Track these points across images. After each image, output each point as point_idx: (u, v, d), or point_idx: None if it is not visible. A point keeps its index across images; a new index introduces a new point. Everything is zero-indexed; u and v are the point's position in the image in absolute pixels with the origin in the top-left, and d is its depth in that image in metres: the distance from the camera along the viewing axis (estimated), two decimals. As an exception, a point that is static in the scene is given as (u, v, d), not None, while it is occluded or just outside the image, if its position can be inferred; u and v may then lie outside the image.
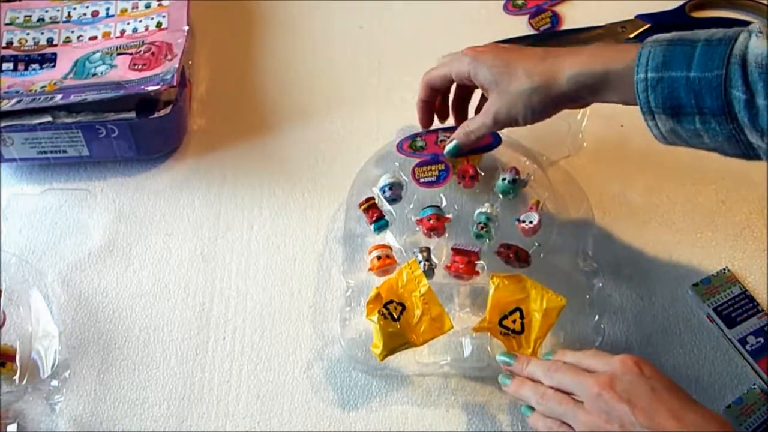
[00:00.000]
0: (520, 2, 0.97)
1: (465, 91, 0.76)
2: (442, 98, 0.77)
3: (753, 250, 0.76)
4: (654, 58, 0.58)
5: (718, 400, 0.68)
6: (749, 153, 0.59)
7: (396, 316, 0.66)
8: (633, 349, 0.71)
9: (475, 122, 0.71)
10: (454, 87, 0.75)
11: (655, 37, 0.60)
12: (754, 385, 0.69)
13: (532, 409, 0.61)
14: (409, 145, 0.77)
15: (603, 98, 0.64)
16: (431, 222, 0.72)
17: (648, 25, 0.92)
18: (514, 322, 0.66)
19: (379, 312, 0.65)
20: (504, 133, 0.77)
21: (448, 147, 0.74)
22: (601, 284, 0.72)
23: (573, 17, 0.95)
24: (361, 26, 0.95)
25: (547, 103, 0.66)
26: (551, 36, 0.93)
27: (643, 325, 0.72)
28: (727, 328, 0.71)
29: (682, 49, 0.57)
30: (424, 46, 0.92)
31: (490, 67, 0.67)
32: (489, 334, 0.67)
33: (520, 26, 0.94)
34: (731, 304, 0.73)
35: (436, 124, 0.78)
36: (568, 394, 0.59)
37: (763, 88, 0.54)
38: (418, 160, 0.75)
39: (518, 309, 0.66)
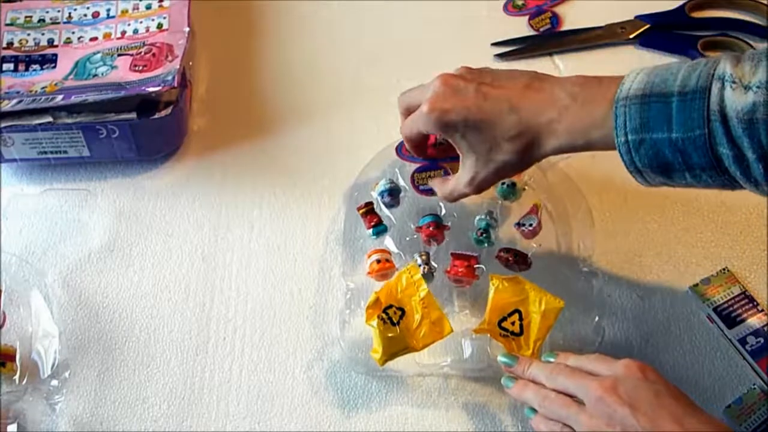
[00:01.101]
0: (520, 3, 0.97)
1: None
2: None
3: (753, 250, 0.76)
4: (631, 120, 0.56)
5: (718, 400, 0.68)
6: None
7: (395, 321, 0.66)
8: (633, 349, 0.71)
9: (459, 189, 0.68)
10: None
11: (625, 91, 0.57)
12: (754, 385, 0.69)
13: (535, 411, 0.61)
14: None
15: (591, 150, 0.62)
16: (430, 230, 0.72)
17: (648, 25, 0.92)
18: (513, 324, 0.66)
19: (378, 317, 0.65)
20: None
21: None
22: (600, 285, 0.72)
23: (573, 17, 0.95)
24: (361, 26, 0.95)
25: (530, 163, 0.64)
26: (551, 36, 0.93)
27: (643, 325, 0.72)
28: (727, 328, 0.71)
29: (657, 107, 0.55)
30: (424, 46, 0.93)
31: (463, 134, 0.63)
32: (489, 335, 0.67)
33: (520, 27, 0.94)
34: (731, 304, 0.73)
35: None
36: (571, 397, 0.59)
37: (750, 144, 0.52)
38: (417, 165, 0.75)
39: (517, 311, 0.66)
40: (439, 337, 0.65)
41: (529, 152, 0.62)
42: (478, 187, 0.66)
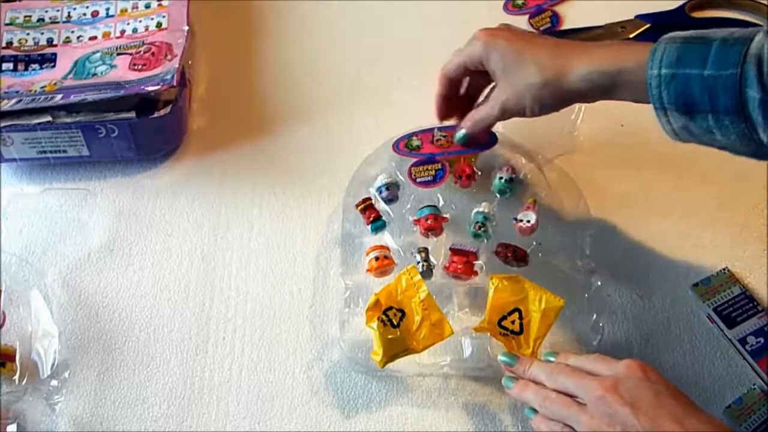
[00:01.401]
0: (520, 2, 0.97)
1: (479, 81, 0.74)
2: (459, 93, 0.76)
3: (753, 250, 0.76)
4: (668, 55, 0.58)
5: (718, 400, 0.68)
6: (760, 152, 0.59)
7: (395, 323, 0.66)
8: (632, 349, 0.71)
9: (482, 111, 0.71)
10: (466, 81, 0.75)
11: (671, 34, 0.60)
12: (754, 385, 0.69)
13: (535, 411, 0.61)
14: (404, 144, 0.77)
15: (614, 96, 0.64)
16: (428, 222, 0.72)
17: (648, 25, 0.92)
18: (513, 322, 0.66)
19: (378, 319, 0.65)
20: (500, 131, 0.77)
21: (457, 136, 0.74)
22: (599, 283, 0.72)
23: (573, 17, 0.95)
24: (361, 26, 0.95)
25: (556, 98, 0.66)
26: (551, 36, 0.93)
27: (642, 325, 0.72)
28: (727, 328, 0.71)
29: (698, 46, 0.57)
30: (424, 46, 0.93)
31: (502, 54, 0.67)
32: (489, 334, 0.67)
33: (521, 26, 0.94)
34: (731, 304, 0.73)
35: (433, 123, 0.78)
36: (571, 396, 0.59)
37: None
38: (414, 160, 0.75)
39: (517, 309, 0.66)
40: (440, 339, 0.65)
41: (557, 77, 0.64)
42: (502, 107, 0.68)
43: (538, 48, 0.66)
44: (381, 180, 0.75)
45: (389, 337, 0.65)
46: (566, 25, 0.95)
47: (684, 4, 0.94)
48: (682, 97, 0.58)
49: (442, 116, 0.76)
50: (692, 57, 0.57)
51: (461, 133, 0.73)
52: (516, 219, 0.73)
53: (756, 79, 0.54)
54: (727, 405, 0.68)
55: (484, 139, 0.75)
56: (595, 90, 0.63)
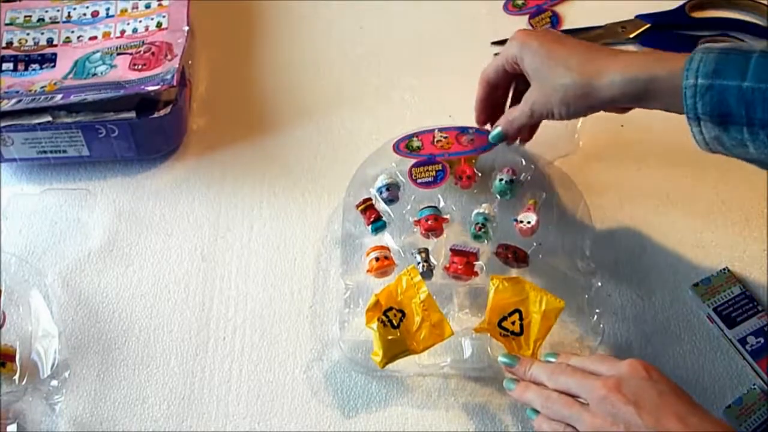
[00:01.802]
0: (520, 2, 0.97)
1: (522, 85, 0.73)
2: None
3: (753, 250, 0.76)
4: (706, 65, 0.57)
5: (718, 400, 0.68)
6: None
7: (396, 324, 0.66)
8: (633, 349, 0.71)
9: (516, 111, 0.71)
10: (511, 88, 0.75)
11: (707, 45, 0.59)
12: (754, 385, 0.69)
13: (537, 412, 0.61)
14: (405, 145, 0.77)
15: (643, 104, 0.63)
16: (429, 223, 0.72)
17: (648, 25, 0.92)
18: (513, 323, 0.66)
19: (378, 319, 0.65)
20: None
21: (492, 133, 0.74)
22: (599, 284, 0.72)
23: (573, 17, 0.95)
24: (361, 26, 0.95)
25: (584, 101, 0.65)
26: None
27: (643, 325, 0.72)
28: (727, 328, 0.71)
29: (737, 58, 0.57)
30: (424, 46, 0.93)
31: (534, 53, 0.67)
32: (489, 335, 0.67)
33: (520, 26, 0.94)
34: (731, 304, 0.73)
35: (433, 124, 0.78)
36: (573, 397, 0.59)
37: None
38: (414, 161, 0.75)
39: (517, 311, 0.66)
40: (440, 340, 0.65)
41: (588, 80, 0.64)
42: (532, 107, 0.69)
43: (569, 50, 0.66)
44: (381, 180, 0.75)
45: (389, 337, 0.65)
46: (566, 25, 0.95)
47: (684, 4, 0.94)
48: (717, 108, 0.57)
49: (483, 121, 0.76)
50: (731, 68, 0.56)
51: (497, 130, 0.73)
52: (516, 220, 0.73)
53: None
54: (727, 405, 0.68)
55: (522, 138, 0.76)
56: (626, 97, 0.63)
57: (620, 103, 0.64)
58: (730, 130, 0.58)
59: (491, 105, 0.75)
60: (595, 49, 0.66)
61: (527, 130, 0.76)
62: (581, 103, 0.65)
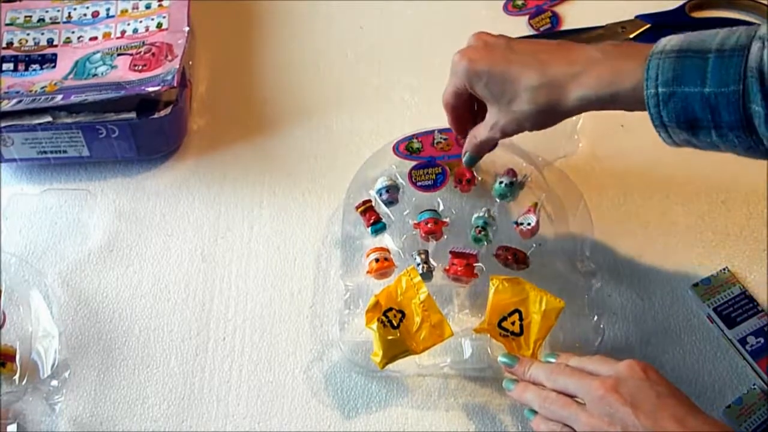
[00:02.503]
0: (520, 2, 0.97)
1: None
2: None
3: (753, 250, 0.76)
4: (663, 73, 0.56)
5: (718, 400, 0.68)
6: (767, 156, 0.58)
7: (395, 324, 0.66)
8: (633, 349, 0.71)
9: (482, 134, 0.69)
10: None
11: (661, 46, 0.57)
12: (754, 385, 0.69)
13: (535, 412, 0.61)
14: (405, 147, 0.77)
15: (615, 110, 0.62)
16: (429, 226, 0.72)
17: (648, 25, 0.92)
18: (513, 324, 0.66)
19: (378, 320, 0.65)
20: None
21: (465, 159, 0.73)
22: (599, 285, 0.72)
23: (573, 17, 0.95)
24: (361, 26, 0.95)
25: (553, 119, 0.64)
26: (551, 36, 0.93)
27: (643, 325, 0.72)
28: (727, 328, 0.71)
29: (693, 61, 0.55)
30: (424, 46, 0.93)
31: (486, 82, 0.64)
32: (489, 335, 0.67)
33: (520, 26, 0.94)
34: (731, 304, 0.73)
35: (433, 125, 0.78)
36: (572, 397, 0.59)
37: None
38: (414, 163, 0.75)
39: (517, 311, 0.66)
40: (440, 341, 0.65)
41: (551, 104, 0.62)
42: (501, 132, 0.67)
43: (524, 69, 0.63)
44: (381, 182, 0.75)
45: (389, 338, 0.65)
46: (566, 25, 0.94)
47: (684, 4, 0.94)
48: (683, 115, 0.56)
49: (463, 136, 0.74)
50: (689, 73, 0.55)
51: (468, 156, 0.73)
52: (516, 223, 0.73)
53: (760, 94, 0.53)
54: (727, 405, 0.68)
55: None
56: (591, 108, 0.62)
57: (587, 111, 0.63)
58: (699, 134, 0.57)
59: (465, 123, 0.72)
60: (550, 64, 0.62)
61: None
62: (550, 120, 0.65)
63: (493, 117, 0.67)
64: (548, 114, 0.64)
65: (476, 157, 0.73)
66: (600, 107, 0.62)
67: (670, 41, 0.57)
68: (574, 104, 0.62)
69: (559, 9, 0.96)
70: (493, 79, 0.64)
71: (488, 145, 0.71)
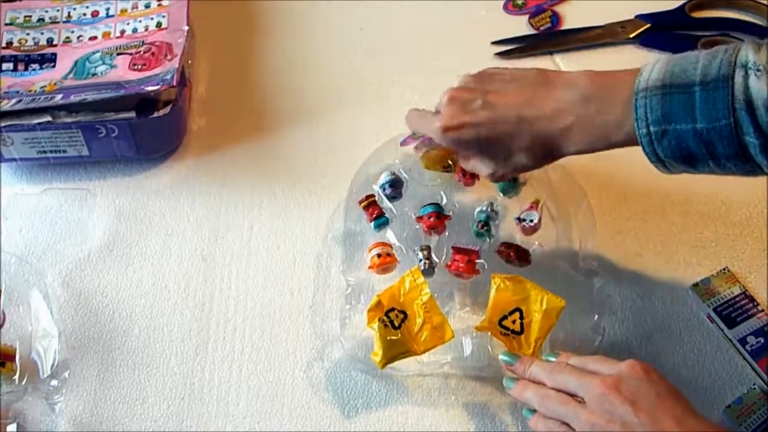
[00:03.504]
0: (520, 2, 0.97)
1: None
2: None
3: (753, 250, 0.76)
4: (652, 111, 0.56)
5: (718, 400, 0.68)
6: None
7: (397, 324, 0.66)
8: (633, 349, 0.71)
9: (483, 172, 0.67)
10: None
11: (644, 83, 0.56)
12: (754, 385, 0.69)
13: (534, 411, 0.61)
14: (410, 136, 0.76)
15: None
16: (431, 220, 0.72)
17: (648, 25, 0.92)
18: (513, 322, 0.66)
19: (379, 320, 0.65)
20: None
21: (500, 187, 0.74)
22: (601, 284, 0.72)
23: (573, 17, 0.95)
24: (361, 27, 0.95)
25: (554, 159, 0.65)
26: (551, 35, 0.93)
27: (643, 325, 0.72)
28: (727, 328, 0.71)
29: (680, 98, 0.55)
30: (424, 46, 0.93)
31: (476, 148, 0.64)
32: (489, 333, 0.67)
33: (520, 26, 0.94)
34: (731, 304, 0.73)
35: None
36: (571, 395, 0.59)
37: None
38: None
39: (518, 309, 0.66)
40: (441, 342, 0.65)
41: (547, 156, 0.64)
42: (501, 178, 0.68)
43: (513, 136, 0.62)
44: (385, 177, 0.75)
45: (390, 338, 0.65)
46: (566, 25, 0.95)
47: (684, 4, 0.94)
48: (678, 151, 0.57)
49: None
50: (678, 110, 0.55)
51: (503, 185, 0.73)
52: (519, 219, 0.73)
53: (752, 126, 0.53)
54: (727, 405, 0.68)
55: None
56: (590, 152, 0.63)
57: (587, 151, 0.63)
58: (697, 165, 0.58)
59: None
60: (537, 119, 0.61)
61: None
62: (551, 161, 0.65)
63: (489, 167, 0.66)
64: (549, 160, 0.65)
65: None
66: (600, 151, 0.62)
67: (651, 74, 0.57)
68: (571, 153, 0.63)
69: (559, 8, 0.96)
70: (483, 145, 0.64)
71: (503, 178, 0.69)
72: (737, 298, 0.73)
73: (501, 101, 0.63)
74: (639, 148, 0.57)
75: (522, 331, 0.66)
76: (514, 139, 0.63)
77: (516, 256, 0.71)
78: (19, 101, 0.78)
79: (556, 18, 0.95)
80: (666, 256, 0.76)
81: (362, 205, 0.74)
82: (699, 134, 0.55)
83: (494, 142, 0.63)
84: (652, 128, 0.56)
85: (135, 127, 0.78)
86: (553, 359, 0.63)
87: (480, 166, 0.67)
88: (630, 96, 0.57)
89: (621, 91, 0.58)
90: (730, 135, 0.54)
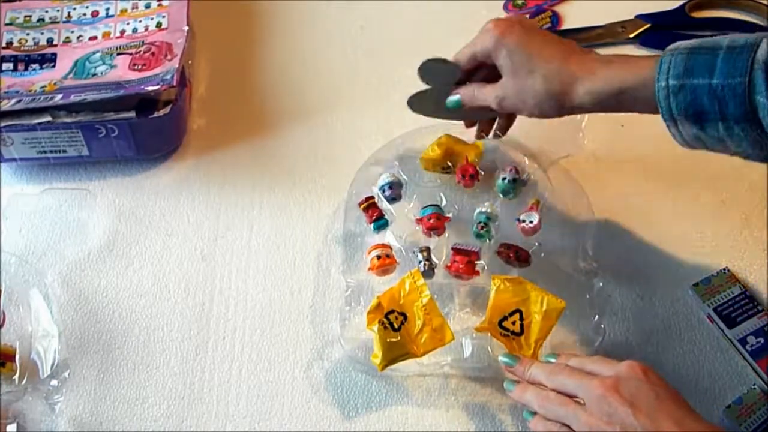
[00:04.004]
0: (520, 2, 0.97)
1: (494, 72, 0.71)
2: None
3: (753, 250, 0.76)
4: (675, 66, 0.59)
5: (718, 400, 0.68)
6: None
7: (397, 327, 0.66)
8: (633, 349, 0.71)
9: (483, 95, 0.71)
10: None
11: (675, 44, 0.60)
12: (754, 385, 0.69)
13: (534, 414, 0.61)
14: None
15: (620, 111, 0.65)
16: (431, 221, 0.72)
17: (648, 25, 0.92)
18: (513, 323, 0.66)
19: (379, 322, 0.65)
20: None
21: (450, 98, 0.73)
22: (601, 284, 0.72)
23: (573, 17, 0.95)
24: (362, 26, 0.95)
25: (558, 109, 0.67)
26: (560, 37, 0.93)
27: (643, 325, 0.72)
28: (727, 328, 0.71)
29: (704, 56, 0.58)
30: (424, 45, 0.92)
31: (511, 53, 0.67)
32: (489, 334, 0.67)
33: (520, 26, 0.94)
34: (731, 304, 0.73)
35: (436, 122, 0.78)
36: (571, 397, 0.59)
37: None
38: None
39: (518, 311, 0.66)
40: (440, 344, 0.65)
41: (561, 92, 0.65)
42: (501, 105, 0.69)
43: (548, 55, 0.66)
44: (384, 179, 0.75)
45: (389, 340, 0.65)
46: (566, 25, 0.95)
47: (684, 4, 0.94)
48: (691, 107, 0.58)
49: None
50: (699, 67, 0.58)
51: (456, 98, 0.73)
52: (519, 220, 0.73)
53: (764, 85, 0.55)
54: (727, 405, 0.68)
55: (477, 115, 0.76)
56: (598, 107, 0.65)
57: (595, 110, 0.66)
58: (707, 127, 0.59)
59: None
60: (571, 56, 0.66)
61: (503, 125, 0.77)
62: (554, 110, 0.67)
63: (500, 89, 0.69)
64: (554, 101, 0.66)
65: (460, 103, 0.73)
66: (606, 108, 0.64)
67: (684, 42, 0.60)
68: (581, 98, 0.64)
69: (559, 8, 0.96)
70: (518, 51, 0.66)
71: (480, 103, 0.71)
72: (737, 298, 0.73)
73: (552, 37, 0.68)
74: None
75: (522, 332, 0.66)
76: (547, 57, 0.66)
77: (516, 257, 0.71)
78: (19, 101, 0.78)
79: (556, 18, 0.95)
80: (666, 256, 0.76)
81: (362, 206, 0.74)
82: (713, 90, 0.57)
83: (530, 52, 0.66)
84: (671, 81, 0.59)
85: (135, 127, 0.78)
86: (552, 360, 0.63)
87: (494, 86, 0.69)
88: (656, 61, 0.60)
89: (653, 58, 0.61)
90: (743, 93, 0.56)
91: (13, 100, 0.78)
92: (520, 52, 0.66)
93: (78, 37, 0.88)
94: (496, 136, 0.78)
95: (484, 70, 0.72)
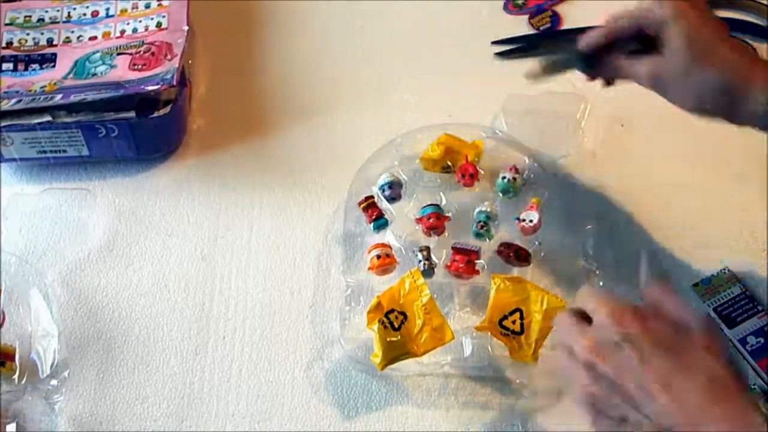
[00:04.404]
0: (520, 2, 0.96)
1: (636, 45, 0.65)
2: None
3: (753, 250, 0.76)
4: None
5: (718, 400, 0.68)
6: None
7: (397, 326, 0.66)
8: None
9: (634, 67, 0.63)
10: None
11: None
12: (754, 385, 0.69)
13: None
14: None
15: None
16: (431, 221, 0.72)
17: (648, 25, 0.92)
18: (513, 322, 0.66)
19: (379, 321, 0.65)
20: (504, 131, 0.77)
21: (590, 35, 0.67)
22: (601, 283, 0.72)
23: (573, 17, 0.95)
24: (362, 26, 0.95)
25: (721, 107, 0.61)
26: (551, 35, 0.93)
27: (643, 325, 0.72)
28: (727, 328, 0.71)
29: None
30: (424, 45, 0.92)
31: (687, 34, 0.60)
32: (489, 333, 0.67)
33: (520, 26, 0.94)
34: (731, 304, 0.72)
35: (437, 121, 0.78)
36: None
37: None
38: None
39: (518, 310, 0.66)
40: (440, 344, 0.65)
41: (737, 87, 0.59)
42: (653, 83, 0.63)
43: (731, 47, 0.60)
44: (384, 178, 0.75)
45: (389, 339, 0.65)
46: (566, 25, 0.94)
47: (684, 4, 0.94)
48: None
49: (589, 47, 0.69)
50: None
51: (594, 36, 0.67)
52: (519, 219, 0.73)
53: None
54: (728, 405, 0.68)
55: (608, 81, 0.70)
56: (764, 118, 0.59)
57: (760, 125, 0.60)
58: None
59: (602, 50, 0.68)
60: (753, 57, 0.60)
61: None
62: (716, 107, 0.61)
63: (659, 66, 0.62)
64: (725, 97, 0.60)
65: (591, 62, 0.67)
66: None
67: None
68: (755, 105, 0.59)
69: (560, 8, 0.96)
70: (697, 37, 0.60)
71: (625, 76, 0.65)
72: (737, 298, 0.73)
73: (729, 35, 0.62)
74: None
75: (522, 332, 0.66)
76: (727, 50, 0.60)
77: (516, 256, 0.71)
78: (19, 101, 0.78)
79: (556, 18, 0.95)
80: (666, 256, 0.76)
81: (362, 206, 0.74)
82: None
83: (706, 38, 0.60)
84: None
85: (135, 127, 0.78)
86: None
87: (647, 64, 0.63)
88: None
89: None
90: None
91: (13, 100, 0.78)
92: (700, 37, 0.60)
93: (78, 37, 0.88)
94: (606, 84, 0.71)
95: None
